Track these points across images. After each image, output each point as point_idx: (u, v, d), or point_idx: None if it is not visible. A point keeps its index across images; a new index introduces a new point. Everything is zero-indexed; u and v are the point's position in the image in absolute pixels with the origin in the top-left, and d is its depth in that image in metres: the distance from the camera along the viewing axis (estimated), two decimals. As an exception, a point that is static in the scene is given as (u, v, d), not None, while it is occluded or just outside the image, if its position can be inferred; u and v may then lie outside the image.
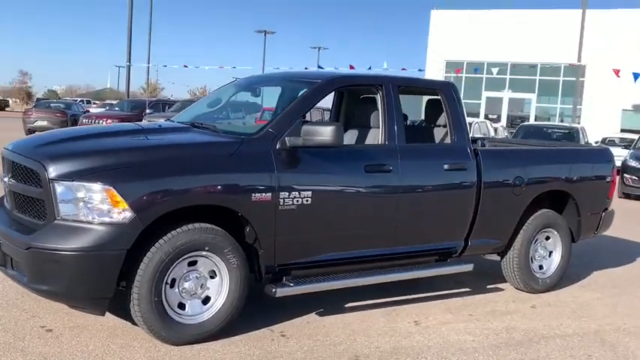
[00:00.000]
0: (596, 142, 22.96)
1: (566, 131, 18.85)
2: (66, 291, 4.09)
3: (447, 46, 37.01)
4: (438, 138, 5.89)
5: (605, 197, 6.82)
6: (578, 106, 29.13)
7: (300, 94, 5.10)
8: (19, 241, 4.15)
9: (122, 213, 4.04)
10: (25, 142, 4.76)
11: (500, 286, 6.47)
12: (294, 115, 4.86)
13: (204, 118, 5.57)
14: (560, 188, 6.40)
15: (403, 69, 31.46)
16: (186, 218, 4.38)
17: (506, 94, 36.54)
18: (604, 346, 4.99)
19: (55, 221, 4.09)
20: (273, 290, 4.71)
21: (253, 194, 4.49)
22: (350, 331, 4.91)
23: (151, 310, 4.20)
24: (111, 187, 4.03)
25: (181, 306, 4.41)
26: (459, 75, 36.46)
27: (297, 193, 4.67)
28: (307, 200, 4.72)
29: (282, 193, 4.60)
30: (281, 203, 4.60)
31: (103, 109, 30.13)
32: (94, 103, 50.28)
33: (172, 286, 4.36)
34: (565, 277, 6.79)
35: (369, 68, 29.22)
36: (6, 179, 4.52)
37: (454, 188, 5.60)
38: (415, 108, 9.25)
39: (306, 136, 4.64)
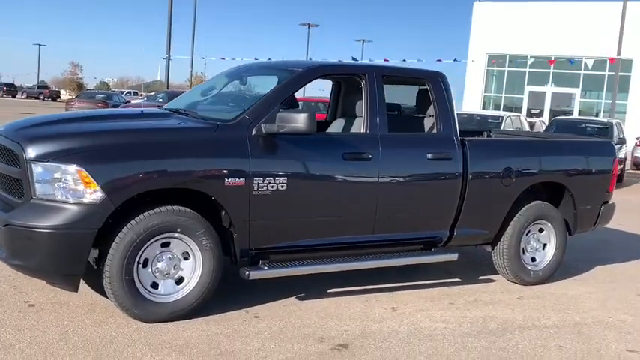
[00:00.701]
0: (637, 139, 22.43)
1: (601, 126, 18.42)
2: (39, 267, 4.30)
3: (489, 39, 36.51)
4: (427, 128, 5.90)
5: (605, 190, 6.74)
6: (621, 101, 28.35)
7: (279, 83, 5.19)
8: (-1, 219, 4.37)
9: (93, 194, 4.22)
10: (10, 124, 4.98)
11: (492, 277, 6.47)
12: (272, 103, 4.96)
13: (192, 105, 5.71)
14: (553, 180, 6.36)
15: (438, 60, 31.05)
16: (162, 201, 4.54)
17: (549, 89, 35.87)
18: (579, 337, 4.96)
19: (32, 200, 4.29)
20: (247, 273, 4.83)
21: (226, 179, 4.62)
22: (324, 315, 5.00)
23: (122, 287, 4.38)
24: (82, 169, 4.21)
25: (155, 285, 4.57)
26: (497, 68, 35.97)
27: (271, 179, 4.78)
28: (282, 186, 4.82)
29: (256, 178, 4.72)
30: (255, 188, 4.72)
31: (141, 100, 30.72)
32: (141, 95, 51.28)
33: (145, 266, 4.52)
34: (564, 271, 6.76)
35: (404, 60, 28.97)
36: (-4, 161, 4.75)
37: (438, 178, 5.62)
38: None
39: (281, 124, 4.74)
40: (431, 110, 5.82)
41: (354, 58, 23.13)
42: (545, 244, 6.45)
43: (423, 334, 4.78)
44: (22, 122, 5.09)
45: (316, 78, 5.47)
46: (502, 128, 17.77)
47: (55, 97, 65.05)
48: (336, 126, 6.04)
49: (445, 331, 4.88)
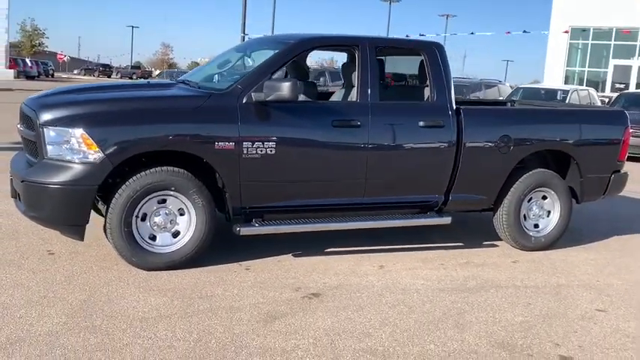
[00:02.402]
0: None
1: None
2: (49, 217, 4.92)
3: (572, 10, 35.29)
4: (422, 97, 6.13)
5: (615, 159, 6.75)
6: None
7: (272, 54, 5.59)
8: (18, 175, 5.03)
9: (94, 154, 4.79)
10: (34, 96, 5.61)
11: (496, 242, 6.66)
12: (263, 73, 5.36)
13: (199, 76, 6.19)
14: (555, 148, 6.47)
15: (507, 32, 30.38)
16: (161, 162, 5.06)
17: (635, 62, 34.37)
18: (554, 297, 5.14)
19: (44, 160, 4.91)
20: (238, 229, 5.30)
21: (217, 143, 5.08)
22: (311, 270, 5.41)
23: (121, 238, 4.94)
24: (85, 132, 4.77)
25: (153, 238, 5.11)
26: (581, 41, 34.73)
27: (260, 143, 5.20)
28: (271, 150, 5.24)
29: (246, 142, 5.15)
30: (244, 152, 5.16)
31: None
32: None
33: (144, 220, 5.07)
34: (576, 238, 6.94)
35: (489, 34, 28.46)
36: (19, 126, 5.41)
37: (430, 144, 5.87)
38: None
39: (268, 91, 5.15)
40: (427, 80, 6.04)
41: (421, 35, 23.18)
42: (549, 212, 6.57)
43: (397, 288, 5.11)
44: (42, 93, 5.73)
45: (308, 50, 5.83)
46: (568, 101, 17.49)
47: (147, 76, 67.86)
48: (337, 95, 6.39)
49: (421, 287, 5.19)
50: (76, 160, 4.82)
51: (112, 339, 3.83)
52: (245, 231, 5.33)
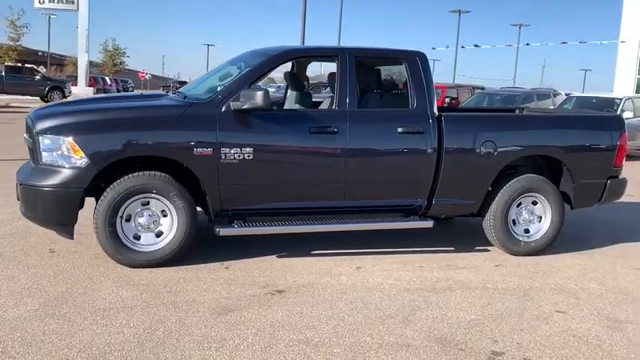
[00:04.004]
0: None
1: None
2: (42, 217, 5.41)
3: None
4: (403, 104, 6.30)
5: (610, 165, 6.72)
6: None
7: (252, 65, 5.93)
8: (18, 179, 5.55)
9: (80, 160, 5.24)
10: (37, 108, 6.14)
11: (489, 247, 6.74)
12: (242, 83, 5.70)
13: (192, 88, 6.59)
14: (543, 154, 6.52)
15: (563, 43, 29.62)
16: (148, 167, 5.48)
17: None
18: (519, 299, 5.22)
19: (39, 165, 5.41)
20: (217, 230, 5.65)
21: (195, 149, 5.45)
22: (288, 270, 5.68)
23: (105, 237, 5.37)
24: (73, 140, 5.24)
25: (137, 237, 5.52)
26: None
27: (238, 149, 5.54)
28: (249, 156, 5.57)
29: (224, 148, 5.50)
30: (222, 157, 5.51)
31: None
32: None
33: (128, 220, 5.48)
34: (573, 244, 7.01)
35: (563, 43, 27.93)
36: (25, 136, 5.95)
37: (409, 150, 6.04)
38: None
39: (244, 100, 5.49)
40: (408, 88, 6.23)
41: (476, 45, 22.91)
42: (541, 217, 6.61)
43: (363, 287, 5.31)
44: (47, 105, 6.25)
45: (288, 61, 6.15)
46: (620, 110, 17.09)
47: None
48: (325, 104, 6.65)
49: (388, 286, 5.37)
50: (66, 165, 5.28)
51: (71, 325, 4.22)
52: (224, 232, 5.66)
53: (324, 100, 6.97)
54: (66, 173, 5.27)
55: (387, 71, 6.82)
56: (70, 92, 35.47)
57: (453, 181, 6.21)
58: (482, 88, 25.71)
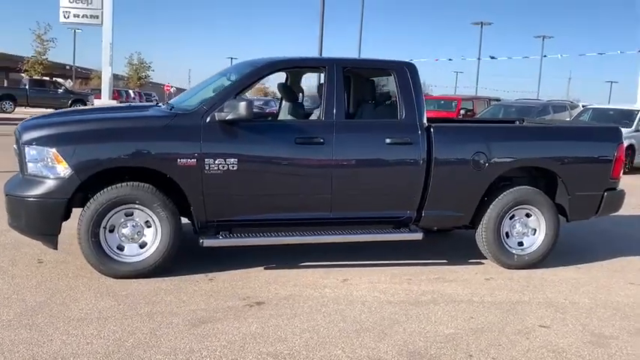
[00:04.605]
0: None
1: None
2: (26, 227, 5.45)
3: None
4: (392, 115, 6.24)
5: (607, 177, 6.59)
6: None
7: (238, 77, 5.93)
8: (4, 190, 5.59)
9: (64, 171, 5.27)
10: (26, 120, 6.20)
11: (483, 261, 6.63)
12: (227, 94, 5.70)
13: (181, 99, 6.60)
14: (536, 165, 6.42)
15: (581, 55, 29.29)
16: (133, 177, 5.49)
17: None
18: (504, 313, 5.11)
19: (24, 176, 5.44)
20: (201, 241, 5.63)
21: (179, 159, 5.45)
22: (272, 281, 5.64)
23: (88, 247, 5.38)
24: (56, 151, 5.27)
25: (121, 248, 5.52)
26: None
27: (222, 160, 5.53)
28: (233, 167, 5.55)
29: (208, 159, 5.50)
30: (206, 168, 5.50)
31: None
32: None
33: (112, 231, 5.49)
34: (572, 257, 6.89)
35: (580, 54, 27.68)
36: (14, 147, 6.00)
37: (397, 161, 5.98)
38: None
39: (228, 110, 5.48)
40: (397, 98, 6.17)
41: (492, 57, 22.80)
42: (535, 230, 6.49)
43: (346, 300, 5.25)
44: (34, 116, 6.31)
45: (275, 72, 6.12)
46: (637, 122, 16.86)
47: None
48: (315, 114, 6.62)
49: (371, 299, 5.30)
50: (50, 176, 5.31)
51: (42, 335, 4.22)
52: (208, 243, 5.64)
53: (314, 111, 6.94)
54: (50, 184, 5.30)
55: (376, 82, 6.76)
56: (92, 105, 35.94)
57: (443, 193, 6.13)
58: (499, 100, 25.52)
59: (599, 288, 5.94)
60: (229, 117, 5.48)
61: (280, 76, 7.25)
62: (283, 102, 7.34)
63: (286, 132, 5.81)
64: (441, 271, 6.25)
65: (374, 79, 6.72)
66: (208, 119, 5.55)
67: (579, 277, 6.26)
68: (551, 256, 6.59)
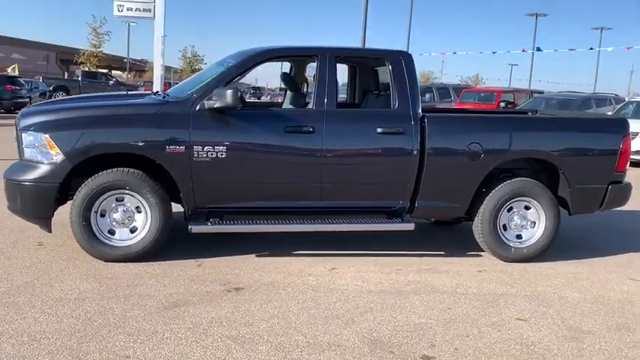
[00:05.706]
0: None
1: None
2: (21, 210, 5.65)
3: None
4: (386, 104, 6.20)
5: (611, 170, 6.40)
6: None
7: (229, 65, 5.99)
8: (3, 175, 5.81)
9: (56, 156, 5.44)
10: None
11: (481, 253, 6.54)
12: (217, 82, 5.77)
13: (180, 88, 6.69)
14: (535, 157, 6.29)
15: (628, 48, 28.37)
16: (124, 163, 5.63)
17: None
18: (485, 304, 5.04)
19: (21, 161, 5.64)
20: (190, 227, 5.73)
21: (168, 146, 5.55)
22: (259, 269, 5.70)
23: (80, 231, 5.55)
24: (49, 136, 5.44)
25: (112, 232, 5.67)
26: None
27: (210, 147, 5.61)
28: (222, 154, 5.63)
29: (196, 147, 5.58)
30: (195, 155, 5.59)
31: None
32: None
33: (103, 216, 5.64)
34: (575, 251, 6.76)
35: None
36: (15, 134, 6.22)
37: (389, 151, 5.95)
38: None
39: (216, 99, 5.55)
40: (390, 88, 6.13)
41: (538, 49, 22.29)
42: (535, 222, 6.36)
43: (326, 288, 5.26)
44: (33, 104, 6.50)
45: (267, 60, 6.14)
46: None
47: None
48: (312, 104, 6.64)
49: (353, 288, 5.29)
50: (44, 161, 5.49)
51: (17, 312, 4.38)
52: (196, 229, 5.74)
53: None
54: (43, 169, 5.48)
55: (370, 72, 6.72)
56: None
57: (437, 184, 6.07)
58: (542, 92, 24.96)
59: (595, 283, 5.80)
60: (217, 105, 5.54)
61: (286, 67, 7.30)
62: (287, 92, 7.37)
63: (276, 121, 5.84)
64: (435, 262, 6.20)
65: (368, 68, 6.69)
66: (198, 107, 5.63)
67: (578, 272, 6.11)
68: (555, 249, 6.46)
